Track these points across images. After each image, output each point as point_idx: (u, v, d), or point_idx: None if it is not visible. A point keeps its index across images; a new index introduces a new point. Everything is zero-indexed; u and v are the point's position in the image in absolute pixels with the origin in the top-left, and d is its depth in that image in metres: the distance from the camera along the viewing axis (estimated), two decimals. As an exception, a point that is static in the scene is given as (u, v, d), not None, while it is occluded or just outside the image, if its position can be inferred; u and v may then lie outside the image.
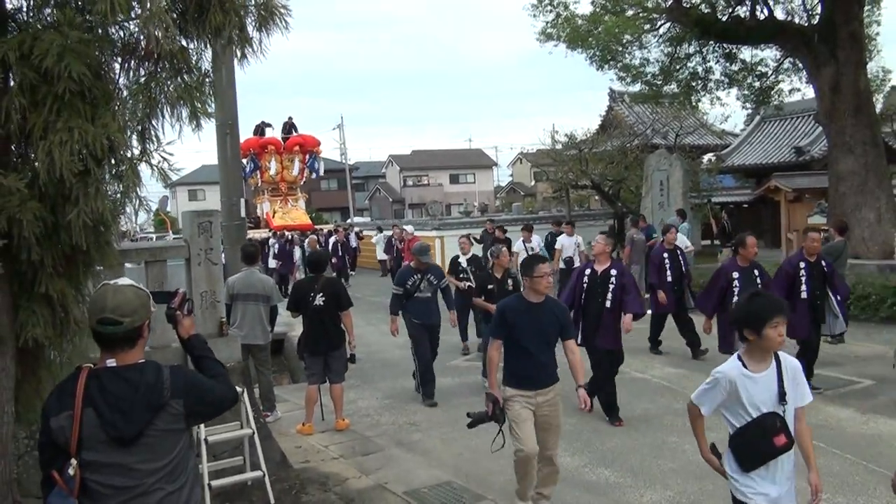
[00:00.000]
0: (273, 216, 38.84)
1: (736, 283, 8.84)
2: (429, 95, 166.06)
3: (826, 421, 7.98)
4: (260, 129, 40.52)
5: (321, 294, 8.69)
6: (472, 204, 45.66)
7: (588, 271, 8.67)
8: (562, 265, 17.14)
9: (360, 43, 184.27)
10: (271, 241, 26.64)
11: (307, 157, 40.31)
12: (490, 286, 10.03)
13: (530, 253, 16.69)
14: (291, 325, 16.24)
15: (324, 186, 62.59)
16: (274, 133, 41.21)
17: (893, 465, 6.75)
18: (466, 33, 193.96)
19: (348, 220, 45.70)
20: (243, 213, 12.10)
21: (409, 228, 23.12)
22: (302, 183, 42.08)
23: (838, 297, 9.21)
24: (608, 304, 8.48)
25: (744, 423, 3.89)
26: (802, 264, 9.06)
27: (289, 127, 41.51)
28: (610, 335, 8.55)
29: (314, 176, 42.84)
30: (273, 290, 9.48)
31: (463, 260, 12.98)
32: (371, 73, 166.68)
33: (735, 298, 8.51)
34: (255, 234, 32.66)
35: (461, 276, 12.45)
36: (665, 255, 12.07)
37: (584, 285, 8.59)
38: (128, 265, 6.61)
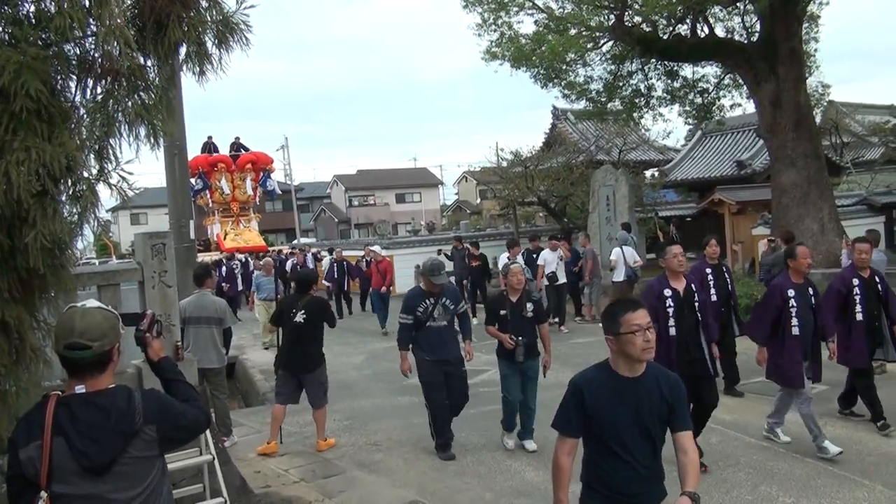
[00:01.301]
0: (224, 238, 36.98)
1: (792, 302, 7.34)
2: (373, 116, 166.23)
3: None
4: (208, 147, 38.51)
5: (302, 311, 8.60)
6: (420, 223, 45.63)
7: (668, 292, 6.93)
8: (545, 282, 16.32)
9: (301, 64, 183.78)
10: (233, 263, 26.11)
11: (260, 175, 38.70)
12: (503, 311, 8.03)
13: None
14: (242, 349, 16.05)
15: (269, 208, 61.93)
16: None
17: (854, 467, 6.93)
18: (409, 53, 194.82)
19: (294, 241, 45.23)
20: (192, 235, 11.85)
21: (377, 248, 20.75)
22: (255, 203, 40.34)
23: (893, 319, 8.22)
24: (700, 327, 7.03)
25: None
26: (856, 281, 8.14)
27: (237, 147, 39.68)
28: (710, 361, 7.09)
29: (270, 196, 40.95)
30: (226, 313, 9.34)
31: None
32: (312, 94, 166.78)
33: (794, 322, 7.32)
34: (206, 257, 31.81)
35: None
36: (708, 270, 9.66)
37: (670, 309, 6.89)
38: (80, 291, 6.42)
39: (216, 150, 38.48)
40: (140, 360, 6.09)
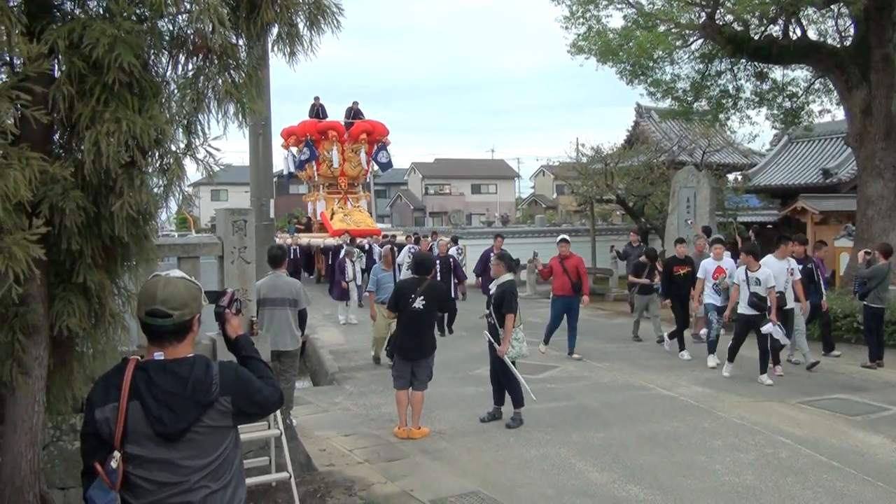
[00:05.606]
0: (331, 218, 30.54)
1: None
2: (452, 106, 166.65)
3: (857, 447, 7.83)
4: (316, 110, 32.01)
5: (422, 297, 8.51)
6: (494, 214, 45.53)
7: None
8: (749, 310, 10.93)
9: (381, 51, 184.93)
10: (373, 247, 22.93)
11: (374, 147, 31.56)
12: None
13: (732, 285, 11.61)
14: (313, 328, 16.24)
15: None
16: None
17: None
18: (489, 45, 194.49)
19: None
20: (272, 214, 12.03)
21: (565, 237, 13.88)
22: (366, 179, 34.06)
23: None
24: None
25: None
26: None
27: (353, 113, 32.86)
28: None
29: (383, 169, 33.51)
30: (300, 293, 9.13)
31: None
32: (393, 81, 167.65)
33: None
34: (311, 240, 28.77)
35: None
36: None
37: None
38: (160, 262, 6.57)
39: (325, 115, 32.19)
40: (215, 332, 6.22)
